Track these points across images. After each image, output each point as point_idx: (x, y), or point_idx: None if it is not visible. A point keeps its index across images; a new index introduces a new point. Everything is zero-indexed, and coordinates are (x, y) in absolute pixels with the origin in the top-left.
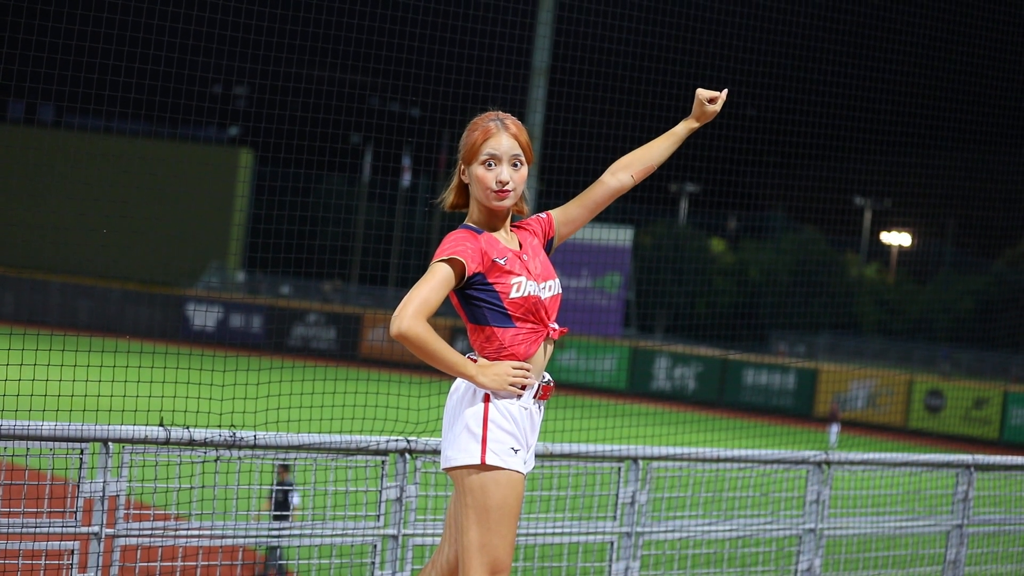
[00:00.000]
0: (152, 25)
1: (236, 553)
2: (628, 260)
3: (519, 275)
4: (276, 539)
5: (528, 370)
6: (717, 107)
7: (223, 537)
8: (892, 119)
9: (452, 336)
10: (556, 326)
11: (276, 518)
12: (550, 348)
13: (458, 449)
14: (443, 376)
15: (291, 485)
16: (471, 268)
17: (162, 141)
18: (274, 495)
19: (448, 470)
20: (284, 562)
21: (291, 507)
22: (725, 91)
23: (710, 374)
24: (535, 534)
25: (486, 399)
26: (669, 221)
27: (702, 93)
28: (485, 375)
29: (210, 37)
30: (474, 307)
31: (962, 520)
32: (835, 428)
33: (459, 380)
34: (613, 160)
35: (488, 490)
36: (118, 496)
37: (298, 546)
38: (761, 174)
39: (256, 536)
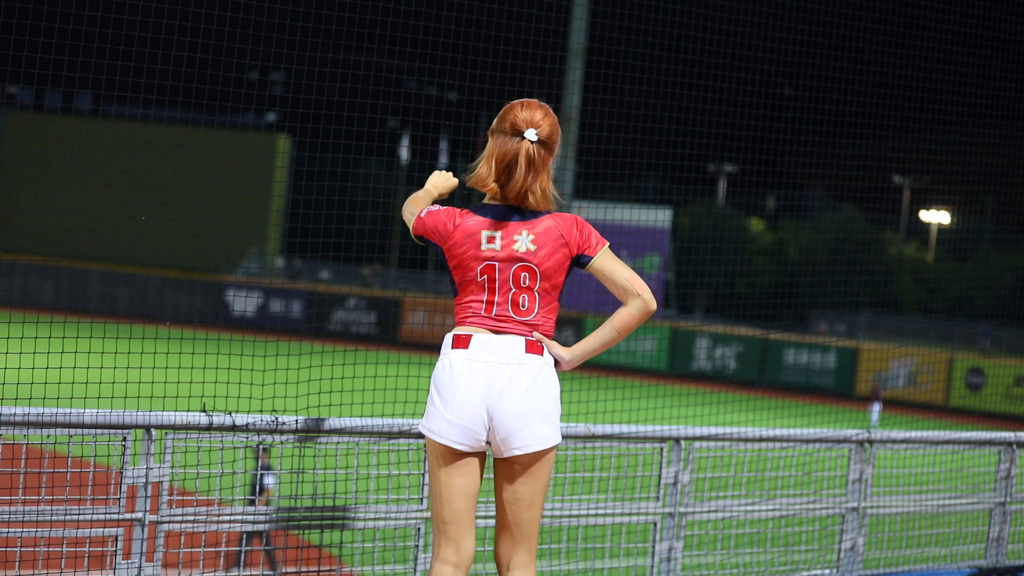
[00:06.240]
0: (188, 12)
1: (279, 538)
2: (667, 241)
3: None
4: (260, 523)
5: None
6: None
7: (266, 522)
8: (930, 96)
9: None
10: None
11: (251, 502)
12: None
13: (556, 427)
14: None
15: (267, 468)
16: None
17: (200, 128)
18: (257, 478)
19: (546, 450)
20: (272, 548)
21: (264, 489)
22: None
23: (750, 354)
24: (578, 515)
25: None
26: (708, 201)
27: None
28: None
29: (246, 23)
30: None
31: (1004, 498)
32: (876, 407)
33: (520, 362)
34: (649, 140)
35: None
36: (161, 482)
37: (341, 530)
38: (799, 153)
39: (296, 521)
